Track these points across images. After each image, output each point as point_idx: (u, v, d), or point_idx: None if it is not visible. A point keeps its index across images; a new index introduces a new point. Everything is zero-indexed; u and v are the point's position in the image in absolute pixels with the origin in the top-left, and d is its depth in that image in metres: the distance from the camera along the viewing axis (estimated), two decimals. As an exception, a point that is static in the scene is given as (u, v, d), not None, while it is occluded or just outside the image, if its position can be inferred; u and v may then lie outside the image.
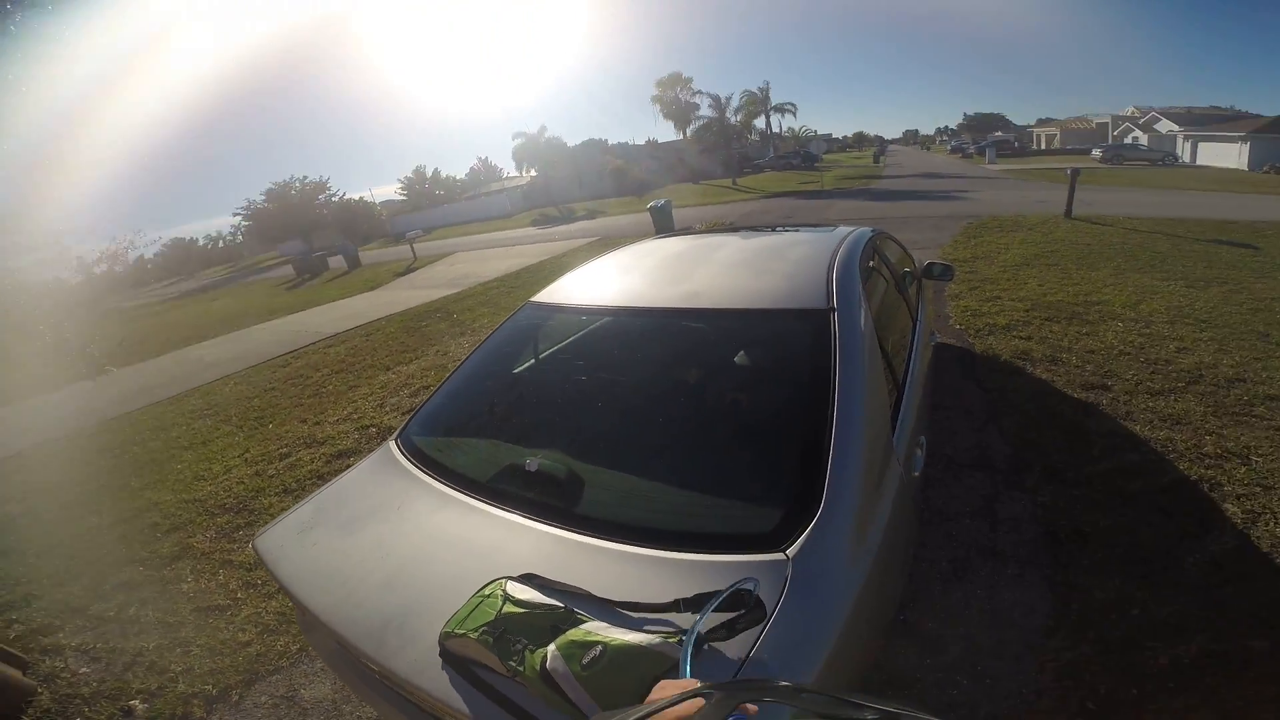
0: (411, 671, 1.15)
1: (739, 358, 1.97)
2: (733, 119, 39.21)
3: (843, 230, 2.62)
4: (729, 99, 38.57)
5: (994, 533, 2.66)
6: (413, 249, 20.64)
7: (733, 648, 0.99)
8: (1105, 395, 3.84)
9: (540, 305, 2.51)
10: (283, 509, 3.55)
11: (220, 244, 67.10)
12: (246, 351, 9.31)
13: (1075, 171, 11.59)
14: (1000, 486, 2.98)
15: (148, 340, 12.97)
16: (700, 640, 0.95)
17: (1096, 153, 34.12)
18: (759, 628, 1.01)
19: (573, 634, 1.02)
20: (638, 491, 1.60)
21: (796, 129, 56.11)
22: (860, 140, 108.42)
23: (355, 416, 5.22)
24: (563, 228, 22.91)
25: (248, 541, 3.30)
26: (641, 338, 2.16)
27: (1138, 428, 3.41)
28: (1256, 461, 2.97)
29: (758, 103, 40.01)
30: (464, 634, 1.09)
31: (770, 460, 1.56)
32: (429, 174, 60.43)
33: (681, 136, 42.37)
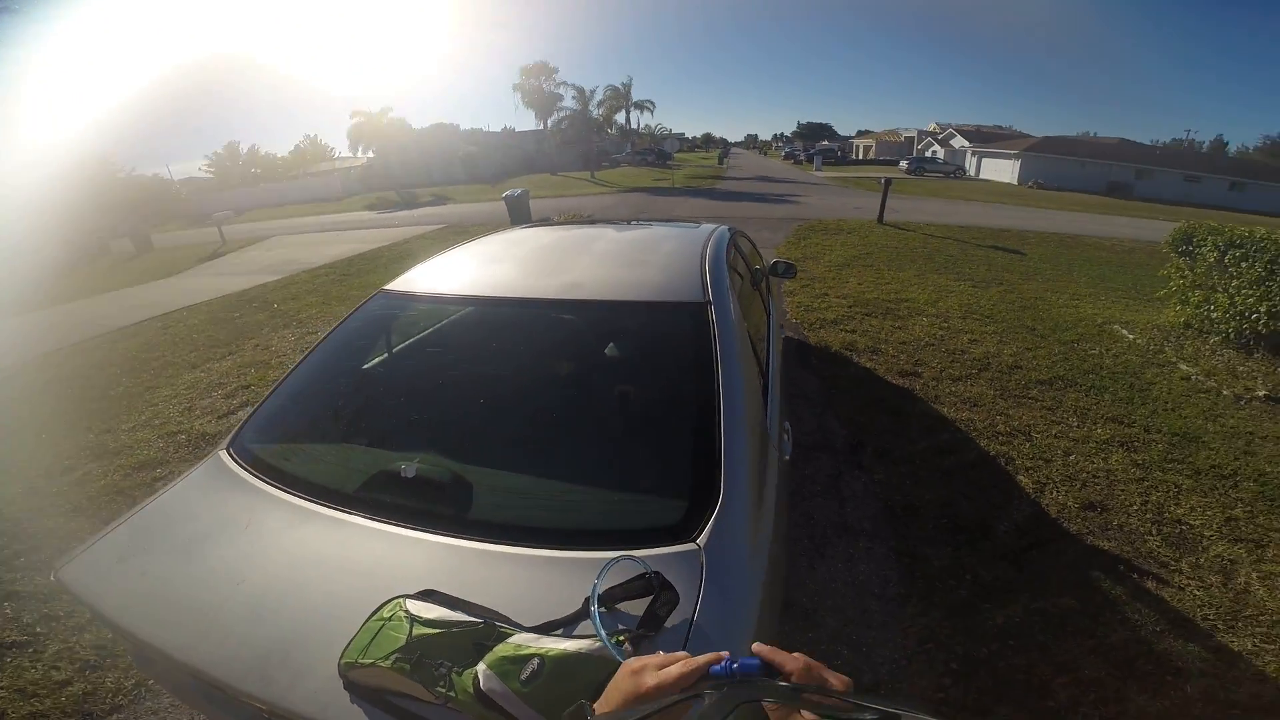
0: (314, 708, 1.03)
1: (609, 349, 1.96)
2: (595, 112, 39.40)
3: (706, 227, 2.74)
4: (593, 91, 38.84)
5: (843, 510, 2.97)
6: (220, 232, 17.82)
7: (665, 642, 0.99)
8: (917, 381, 4.47)
9: (396, 295, 2.27)
10: (72, 530, 3.05)
11: None
12: (5, 346, 7.44)
13: (888, 181, 13.56)
14: (842, 466, 3.35)
15: None
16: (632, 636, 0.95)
17: (903, 164, 39.55)
18: (687, 621, 1.03)
19: (502, 649, 0.94)
20: (533, 491, 1.52)
21: (653, 126, 57.64)
22: (708, 141, 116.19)
23: (157, 422, 4.43)
24: (404, 213, 21.34)
25: (32, 571, 2.75)
26: (519, 330, 2.05)
27: (945, 409, 4.01)
28: (1036, 438, 3.65)
29: (620, 97, 40.44)
30: (371, 663, 0.98)
31: (668, 452, 1.55)
32: (244, 151, 53.21)
33: (542, 126, 41.74)
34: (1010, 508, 2.96)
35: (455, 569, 1.22)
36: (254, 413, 1.92)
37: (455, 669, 0.95)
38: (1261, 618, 2.26)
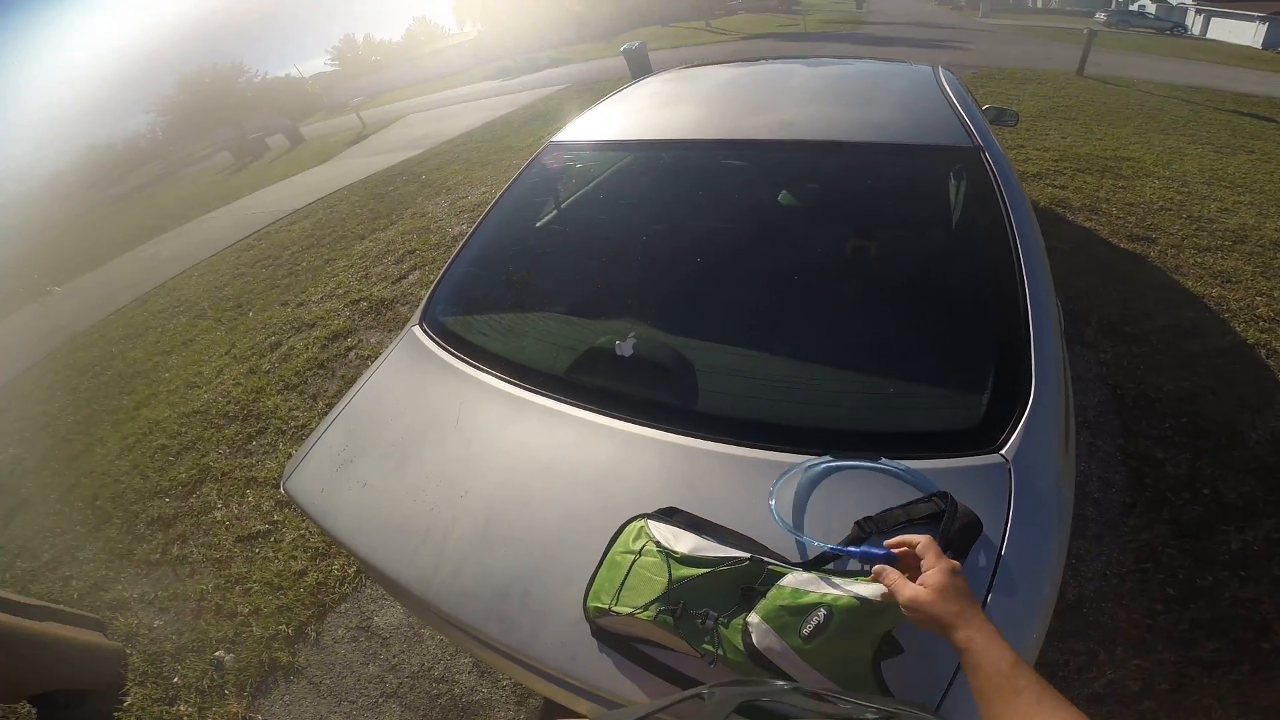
0: (563, 658, 0.91)
1: (851, 202, 1.62)
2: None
3: (920, 65, 2.21)
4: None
5: None
6: (359, 116, 18.77)
7: (970, 574, 0.81)
8: (1152, 248, 3.71)
9: (570, 145, 2.00)
10: (290, 410, 3.44)
11: (141, 144, 60.31)
12: (203, 241, 8.52)
13: (1094, 32, 11.05)
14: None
15: (93, 248, 11.66)
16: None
17: (1100, 16, 32.70)
18: (993, 553, 0.85)
19: (777, 597, 0.79)
20: (782, 380, 1.23)
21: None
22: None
23: (340, 292, 4.84)
24: (525, 78, 20.76)
25: (263, 453, 3.13)
26: (731, 177, 1.74)
27: (1189, 283, 3.31)
28: None
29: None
30: (629, 613, 0.85)
31: (959, 334, 1.22)
32: (360, 41, 54.29)
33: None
34: (1268, 412, 2.42)
35: (694, 477, 1.05)
36: (439, 282, 1.76)
37: (722, 619, 0.80)
38: None
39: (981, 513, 0.86)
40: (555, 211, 2.04)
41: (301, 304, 4.90)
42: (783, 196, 1.72)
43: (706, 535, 0.90)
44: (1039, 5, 50.28)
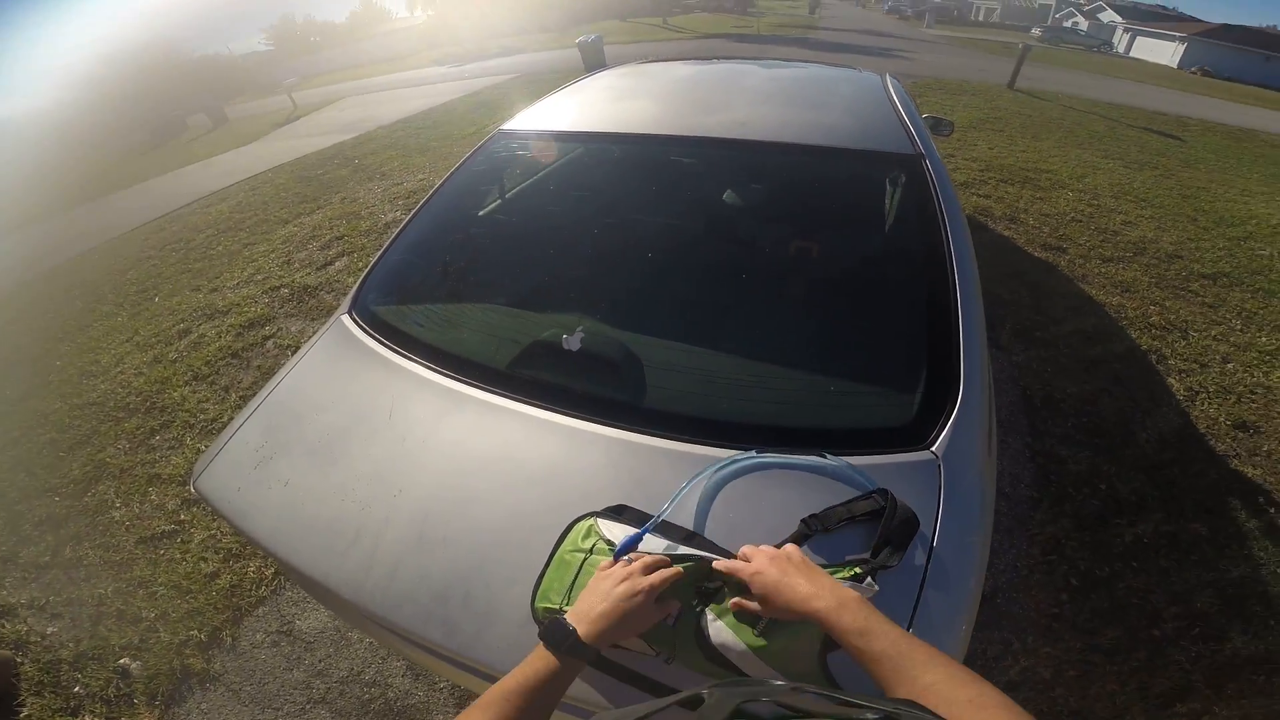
0: (510, 661, 0.84)
1: (793, 203, 1.67)
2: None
3: (867, 72, 2.30)
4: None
5: None
6: (291, 97, 17.77)
7: (902, 573, 0.84)
8: (1062, 257, 3.99)
9: (518, 134, 1.96)
10: (199, 402, 3.20)
11: (50, 119, 55.39)
12: (106, 224, 7.83)
13: (1027, 47, 11.71)
14: None
15: None
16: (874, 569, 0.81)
17: (1036, 31, 35.28)
18: (927, 545, 0.87)
19: (732, 594, 0.79)
20: (723, 375, 1.25)
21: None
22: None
23: (259, 278, 4.56)
24: (474, 65, 20.15)
25: (168, 449, 2.89)
26: (679, 174, 1.74)
27: (1093, 291, 3.57)
28: (1193, 337, 3.20)
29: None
30: None
31: (897, 336, 1.26)
32: (299, 21, 51.94)
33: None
34: (1157, 414, 2.65)
35: (640, 473, 1.02)
36: (373, 268, 1.66)
37: (678, 624, 0.79)
38: None
39: (915, 507, 0.89)
40: (500, 200, 1.99)
41: (215, 290, 4.58)
42: (728, 195, 1.74)
43: (657, 533, 0.88)
44: (981, 19, 53.13)
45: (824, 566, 0.81)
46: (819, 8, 39.79)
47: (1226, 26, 34.73)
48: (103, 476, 2.79)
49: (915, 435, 1.01)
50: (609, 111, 1.99)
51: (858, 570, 0.80)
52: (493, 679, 0.91)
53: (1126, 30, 37.37)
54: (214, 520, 2.41)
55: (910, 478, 0.95)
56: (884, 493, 0.89)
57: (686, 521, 0.93)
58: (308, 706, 1.79)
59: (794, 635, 0.73)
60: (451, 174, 1.93)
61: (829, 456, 0.99)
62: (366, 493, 1.11)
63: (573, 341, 1.26)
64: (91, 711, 1.83)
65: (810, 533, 0.88)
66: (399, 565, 1.00)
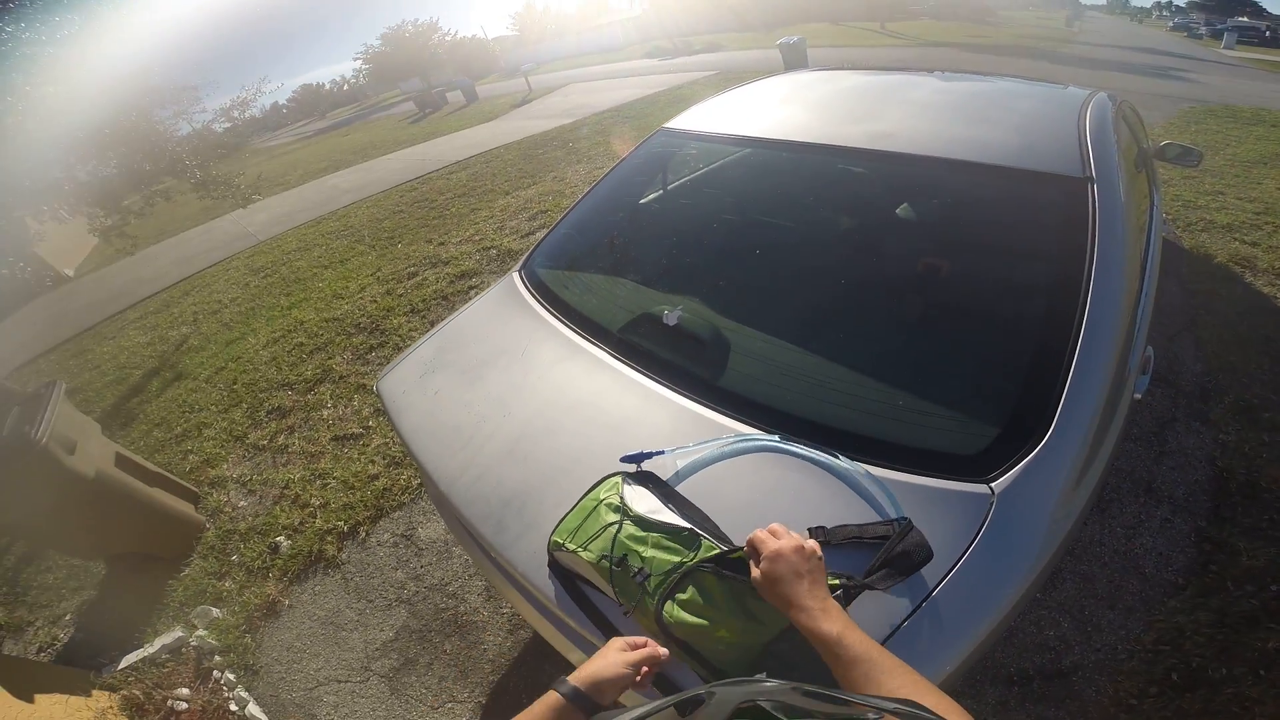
0: (528, 567, 1.06)
1: (902, 210, 1.62)
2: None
3: (1078, 89, 2.05)
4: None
5: (1156, 464, 2.27)
6: (528, 82, 19.98)
7: (895, 600, 0.84)
8: (1340, 328, 2.99)
9: (677, 133, 2.13)
10: (409, 330, 3.85)
11: (345, 87, 68.45)
12: (376, 179, 9.61)
13: None
14: (1179, 410, 2.52)
15: (288, 173, 13.67)
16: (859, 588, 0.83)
17: None
18: (935, 577, 0.86)
19: (694, 586, 0.85)
20: (795, 369, 1.31)
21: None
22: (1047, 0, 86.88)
23: (476, 238, 5.35)
24: (679, 60, 21.01)
25: (379, 364, 3.53)
26: (808, 181, 1.80)
27: (1370, 380, 2.64)
28: None
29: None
30: (575, 550, 0.97)
31: (989, 361, 1.23)
32: (540, 9, 57.26)
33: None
34: None
35: (692, 440, 1.13)
36: (544, 239, 2.00)
37: (647, 586, 0.88)
38: None
39: (945, 537, 0.88)
40: (649, 193, 2.21)
41: (443, 243, 5.45)
42: (859, 205, 1.74)
43: (670, 505, 0.99)
44: None
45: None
46: (1079, 20, 33.34)
47: None
48: (326, 379, 3.51)
49: (975, 466, 0.97)
50: (765, 117, 2.05)
51: (834, 580, 0.81)
52: (514, 581, 1.12)
53: None
54: (390, 430, 2.86)
55: (954, 507, 0.93)
56: (904, 520, 0.89)
57: (702, 502, 1.01)
58: (394, 604, 2.11)
59: (751, 625, 0.79)
60: (616, 166, 2.20)
61: (841, 458, 1.00)
62: (486, 410, 1.38)
63: (670, 317, 1.43)
64: (233, 578, 2.31)
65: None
66: (487, 470, 1.24)
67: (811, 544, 0.77)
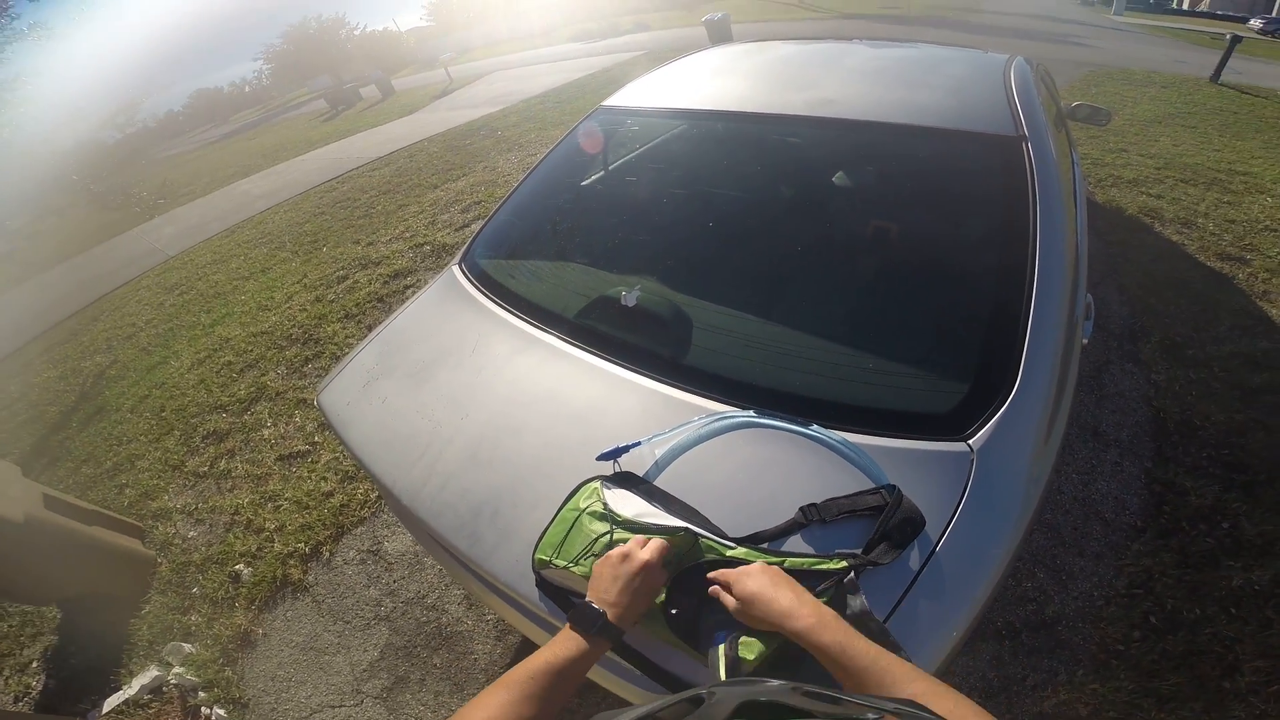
0: (511, 577, 1.00)
1: (837, 177, 1.63)
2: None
3: (996, 55, 2.15)
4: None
5: (1099, 408, 2.45)
6: (447, 71, 19.41)
7: (892, 573, 0.83)
8: (1242, 269, 3.39)
9: (617, 110, 2.09)
10: (346, 337, 3.68)
11: (246, 89, 63.84)
12: (291, 181, 9.12)
13: (1236, 38, 9.65)
14: (1113, 354, 2.73)
15: (193, 182, 12.58)
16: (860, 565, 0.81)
17: (1255, 23, 27.92)
18: (926, 549, 0.85)
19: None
20: (764, 341, 1.29)
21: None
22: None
23: (407, 235, 5.18)
24: (606, 42, 20.98)
25: (316, 376, 3.37)
26: (754, 151, 1.79)
27: (1275, 312, 3.02)
28: None
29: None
30: (564, 566, 0.90)
31: (952, 318, 1.24)
32: (456, -3, 55.42)
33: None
34: None
35: (668, 424, 1.09)
36: (483, 228, 1.92)
37: None
38: None
39: (934, 501, 0.87)
40: (592, 172, 2.15)
41: (371, 243, 5.24)
42: (804, 171, 1.74)
43: (656, 503, 0.94)
44: (1185, 7, 44.80)
45: (811, 557, 0.83)
46: (986, -9, 35.00)
47: None
48: (262, 397, 3.33)
49: (951, 424, 0.98)
50: (701, 89, 2.05)
51: (844, 564, 0.80)
52: (498, 591, 1.07)
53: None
54: (338, 444, 2.76)
55: (935, 468, 0.93)
56: (892, 489, 0.88)
57: (687, 495, 0.98)
58: (373, 622, 2.04)
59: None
60: (554, 147, 2.12)
61: (817, 428, 0.99)
62: (441, 414, 1.29)
63: (628, 298, 1.37)
64: (199, 611, 2.20)
65: (807, 522, 0.89)
66: (450, 478, 1.16)
67: (773, 567, 0.76)
